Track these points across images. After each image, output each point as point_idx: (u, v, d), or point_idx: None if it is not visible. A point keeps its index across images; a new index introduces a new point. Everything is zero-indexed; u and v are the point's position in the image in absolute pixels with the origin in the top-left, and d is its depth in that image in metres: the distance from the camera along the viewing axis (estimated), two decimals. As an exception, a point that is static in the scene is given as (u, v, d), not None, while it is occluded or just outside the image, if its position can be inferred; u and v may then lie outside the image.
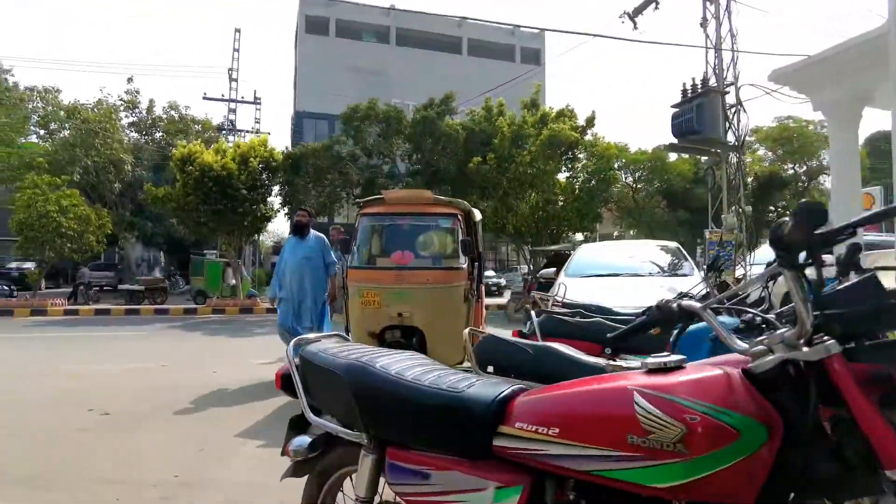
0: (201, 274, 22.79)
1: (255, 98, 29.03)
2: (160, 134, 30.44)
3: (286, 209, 19.35)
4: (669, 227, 22.30)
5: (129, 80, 29.07)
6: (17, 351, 10.06)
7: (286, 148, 18.80)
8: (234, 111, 28.76)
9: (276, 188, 19.31)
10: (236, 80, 28.87)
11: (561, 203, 20.82)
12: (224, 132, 27.44)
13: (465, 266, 6.56)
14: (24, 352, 9.97)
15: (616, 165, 20.89)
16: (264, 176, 18.37)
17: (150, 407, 5.76)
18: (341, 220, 37.38)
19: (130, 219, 27.60)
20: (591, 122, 20.59)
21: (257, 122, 30.49)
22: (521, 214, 20.01)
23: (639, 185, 22.77)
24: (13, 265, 31.96)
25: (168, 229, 27.97)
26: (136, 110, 29.85)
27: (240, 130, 29.02)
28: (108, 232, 19.14)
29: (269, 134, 19.56)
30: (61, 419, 5.31)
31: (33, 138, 27.20)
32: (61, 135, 26.12)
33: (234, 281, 22.17)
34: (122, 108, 27.94)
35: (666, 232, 22.48)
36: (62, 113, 25.88)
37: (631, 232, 24.94)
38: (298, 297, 6.70)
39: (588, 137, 20.78)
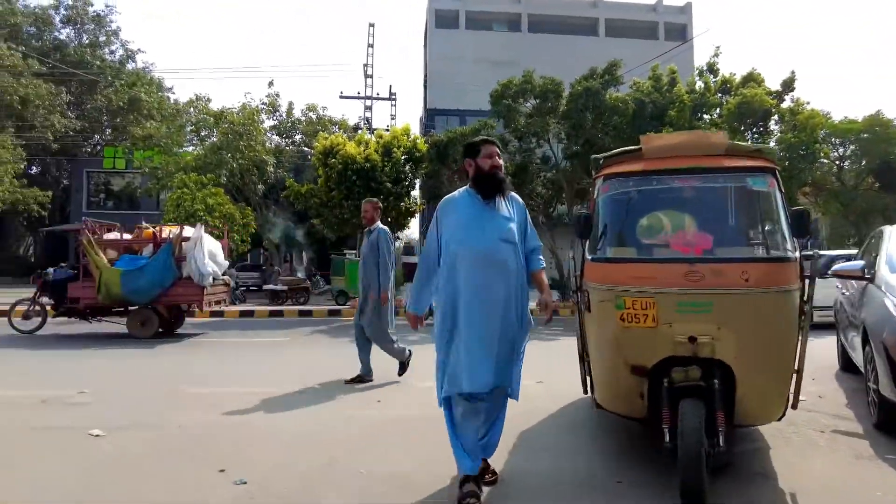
0: (342, 274, 21.69)
1: (391, 94, 27.71)
2: (299, 136, 30.26)
3: (430, 203, 17.41)
4: (887, 214, 17.68)
5: (270, 83, 28.94)
6: (176, 357, 8.71)
7: (429, 135, 16.81)
8: (369, 108, 27.67)
9: (418, 181, 17.41)
10: (371, 77, 27.74)
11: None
12: (360, 132, 26.34)
13: (796, 257, 3.83)
14: (190, 362, 8.58)
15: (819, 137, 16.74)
16: (407, 168, 16.52)
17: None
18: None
19: (273, 219, 27.36)
20: (789, 85, 16.70)
21: (392, 119, 29.22)
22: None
23: (844, 163, 18.33)
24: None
25: (308, 229, 27.48)
26: (277, 113, 29.79)
27: (377, 129, 27.83)
28: (252, 231, 18.27)
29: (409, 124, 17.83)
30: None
31: (189, 148, 27.89)
32: (211, 140, 26.38)
33: (374, 280, 20.81)
34: (263, 111, 27.79)
35: (882, 219, 17.89)
36: (211, 119, 26.05)
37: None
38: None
39: (786, 104, 16.86)
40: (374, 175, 15.60)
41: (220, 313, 15.89)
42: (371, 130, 28.40)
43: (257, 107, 27.05)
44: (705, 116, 16.63)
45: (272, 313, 16.06)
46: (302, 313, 16.14)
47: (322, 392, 6.35)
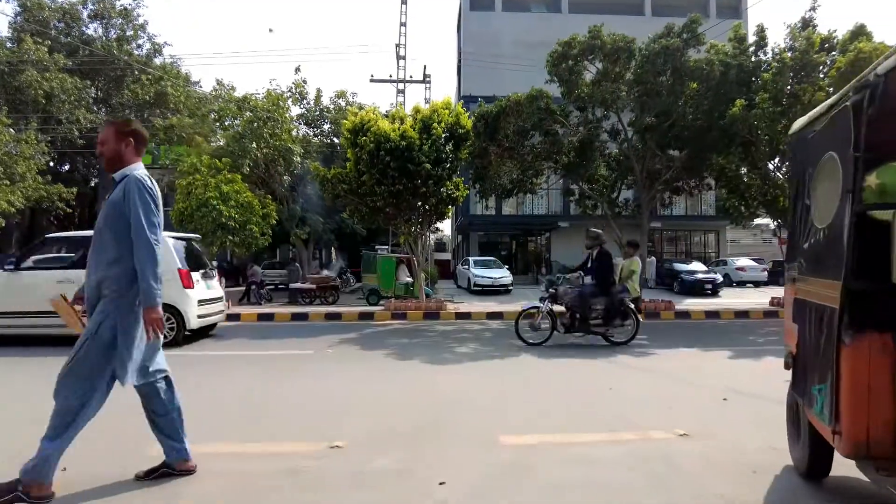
0: (373, 271, 19.30)
1: (425, 76, 25.11)
2: (328, 126, 28.04)
3: (476, 188, 14.76)
4: None
5: (297, 69, 26.64)
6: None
7: (477, 105, 14.18)
8: (402, 93, 25.22)
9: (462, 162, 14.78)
10: (404, 58, 25.25)
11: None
12: (395, 108, 23.78)
13: None
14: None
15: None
16: (449, 147, 13.92)
17: None
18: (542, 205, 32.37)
19: (302, 213, 25.08)
20: (909, 39, 13.52)
21: (426, 104, 26.63)
22: (804, 180, 13.51)
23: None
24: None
25: (338, 223, 25.18)
26: (304, 101, 27.54)
27: (415, 104, 25.25)
28: (273, 222, 15.91)
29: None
30: None
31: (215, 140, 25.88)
32: (234, 129, 24.24)
33: (408, 278, 18.25)
34: (289, 98, 25.51)
35: None
36: (234, 106, 23.86)
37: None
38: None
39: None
40: (411, 155, 13.06)
41: (236, 316, 13.55)
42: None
43: (283, 93, 24.80)
44: (807, 80, 13.60)
45: (295, 316, 13.65)
46: (329, 316, 13.69)
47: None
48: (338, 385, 6.47)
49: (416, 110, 14.29)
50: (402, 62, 25.39)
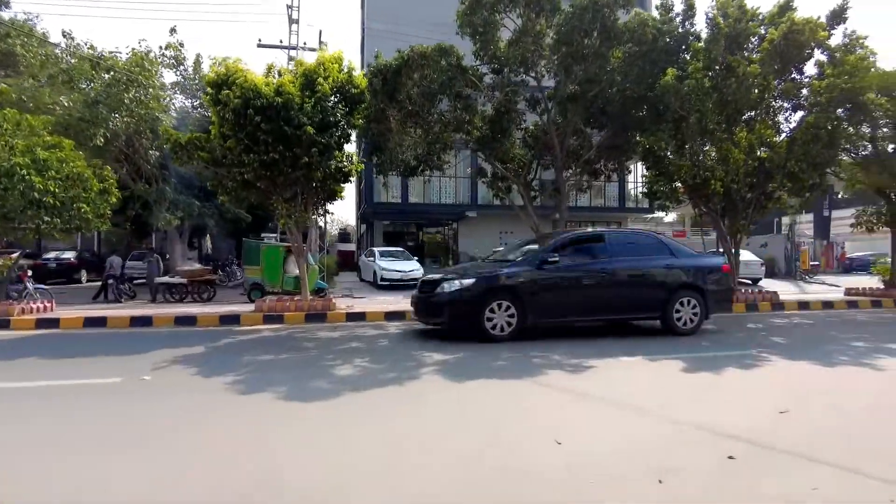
0: (257, 262, 16.22)
1: (321, 43, 21.98)
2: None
3: (375, 160, 12.08)
4: None
5: (172, 30, 22.54)
6: None
7: (370, 62, 11.39)
8: (293, 61, 21.77)
9: (356, 129, 12.01)
10: (297, 22, 21.95)
11: (781, 148, 12.85)
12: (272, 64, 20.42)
13: None
14: None
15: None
16: (340, 110, 11.21)
17: None
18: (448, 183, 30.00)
19: (174, 196, 21.21)
20: (839, 15, 12.44)
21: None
22: (735, 163, 12.11)
23: (882, 123, 14.51)
24: (51, 255, 26.40)
25: (218, 207, 21.57)
26: (181, 67, 23.52)
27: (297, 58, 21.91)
28: (113, 200, 12.43)
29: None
30: None
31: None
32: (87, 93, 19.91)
33: (298, 271, 15.34)
34: (162, 62, 21.46)
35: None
36: (87, 65, 19.55)
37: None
38: None
39: (837, 41, 12.63)
40: (290, 116, 10.23)
41: (54, 322, 10.15)
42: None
43: (153, 55, 20.75)
44: (741, 50, 12.20)
45: (136, 321, 10.39)
46: (181, 320, 10.56)
47: None
48: (94, 455, 3.70)
49: (300, 63, 11.40)
50: (294, 27, 22.12)
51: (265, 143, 10.47)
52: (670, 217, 51.56)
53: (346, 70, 11.65)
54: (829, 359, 7.01)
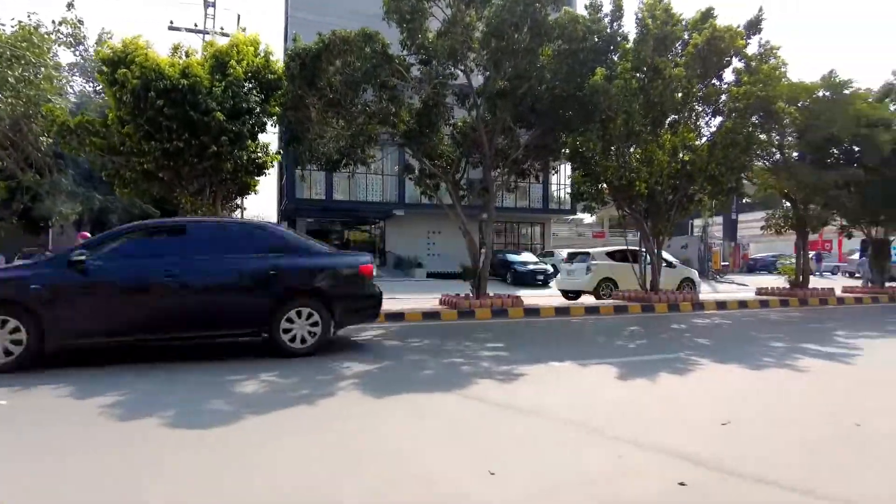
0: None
1: (240, 29, 20.54)
2: (115, 81, 22.13)
3: (291, 150, 11.16)
4: (838, 198, 14.59)
5: (70, 5, 20.39)
6: None
7: (290, 45, 10.52)
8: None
9: (272, 118, 11.03)
10: (213, 5, 20.41)
11: (703, 151, 13.10)
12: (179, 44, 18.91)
13: None
14: None
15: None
16: (255, 97, 10.26)
17: None
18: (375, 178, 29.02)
19: (71, 188, 19.20)
20: (755, 25, 12.80)
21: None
22: (659, 165, 12.18)
23: (788, 131, 15.16)
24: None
25: (122, 203, 19.76)
26: (81, 47, 21.42)
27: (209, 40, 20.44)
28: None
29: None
30: None
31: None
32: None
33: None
34: (56, 39, 19.34)
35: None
36: (-37, 38, 17.25)
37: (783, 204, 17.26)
38: None
39: (753, 49, 12.98)
40: (196, 100, 9.21)
41: None
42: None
43: (46, 32, 18.64)
44: (667, 54, 12.29)
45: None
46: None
47: None
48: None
49: (210, 44, 10.34)
50: (210, 10, 20.58)
51: (168, 130, 9.39)
52: (590, 219, 53.07)
53: (262, 54, 10.71)
54: (755, 361, 6.94)
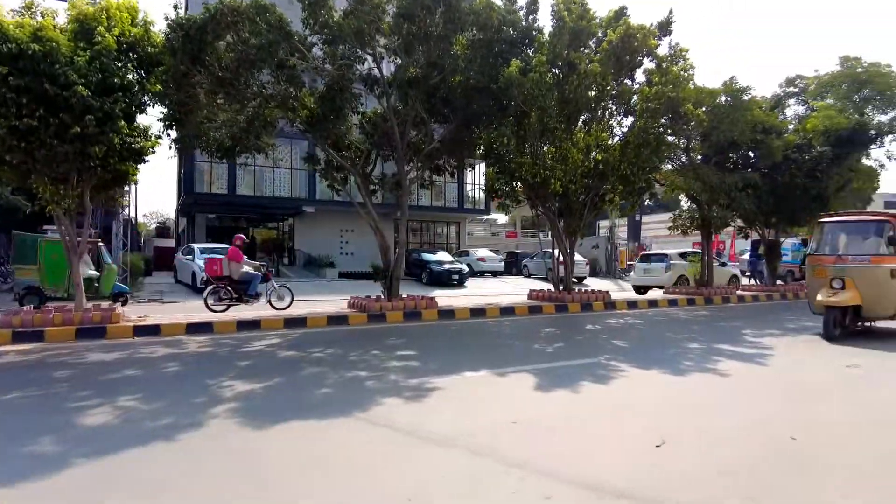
0: (33, 261, 12.84)
1: None
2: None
3: (170, 134, 9.72)
4: (739, 200, 15.08)
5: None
6: None
7: (172, 14, 9.12)
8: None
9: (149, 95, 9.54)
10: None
11: (615, 151, 13.02)
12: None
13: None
14: None
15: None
16: (131, 73, 8.83)
17: None
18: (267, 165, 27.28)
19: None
20: (665, 27, 12.84)
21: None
22: (573, 164, 11.90)
23: (693, 134, 15.52)
24: None
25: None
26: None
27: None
28: None
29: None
30: None
31: None
32: None
33: (93, 271, 12.35)
34: None
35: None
36: None
37: (684, 202, 17.71)
38: None
39: (663, 50, 13.01)
40: (54, 71, 7.71)
41: None
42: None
43: None
44: (581, 49, 12.01)
45: None
46: None
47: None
48: None
49: (73, 5, 8.77)
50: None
51: (16, 105, 7.80)
52: (504, 219, 53.62)
53: (142, 23, 9.26)
54: (675, 365, 6.61)
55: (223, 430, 4.16)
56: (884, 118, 18.63)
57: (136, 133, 9.10)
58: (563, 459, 3.54)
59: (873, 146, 17.96)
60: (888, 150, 18.90)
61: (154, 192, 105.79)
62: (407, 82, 10.39)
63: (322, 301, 13.99)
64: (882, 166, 19.45)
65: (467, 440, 3.92)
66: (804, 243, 19.18)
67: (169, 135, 9.52)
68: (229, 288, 10.53)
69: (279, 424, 4.26)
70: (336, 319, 10.33)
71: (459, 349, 8.05)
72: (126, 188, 14.31)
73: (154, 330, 8.85)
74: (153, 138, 9.37)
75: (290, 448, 3.80)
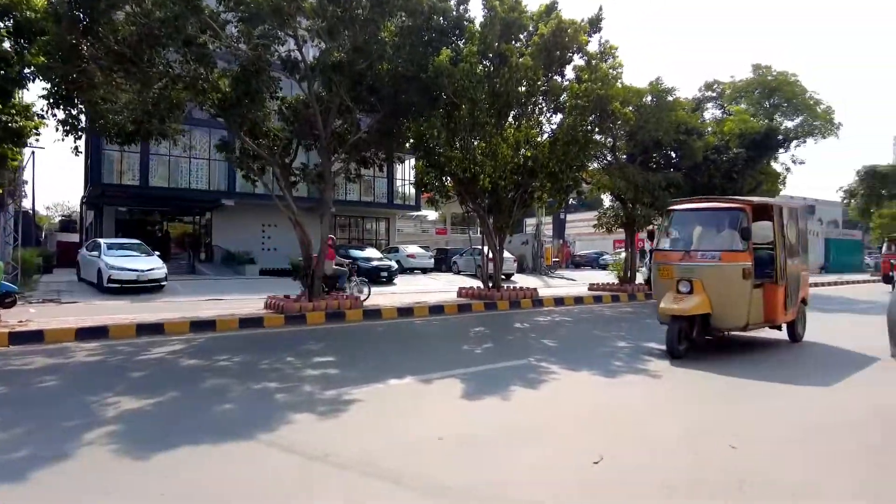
0: None
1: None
2: None
3: (57, 115, 8.50)
4: (662, 200, 15.40)
5: None
6: None
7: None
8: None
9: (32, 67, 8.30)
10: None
11: (544, 147, 12.89)
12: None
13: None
14: None
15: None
16: (1, 38, 7.66)
17: None
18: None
19: None
20: (595, 24, 12.81)
21: None
22: (503, 159, 11.63)
23: (620, 133, 15.70)
24: None
25: None
26: None
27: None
28: None
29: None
30: None
31: None
32: None
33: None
34: None
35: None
36: None
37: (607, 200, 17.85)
38: None
39: (593, 47, 12.97)
40: None
41: None
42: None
43: None
44: (513, 42, 11.74)
45: None
46: None
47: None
48: None
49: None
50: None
51: None
52: (435, 215, 53.38)
53: (17, -15, 8.06)
54: (607, 366, 6.40)
55: (92, 463, 3.44)
56: (790, 124, 19.73)
57: (13, 111, 7.92)
58: (496, 484, 3.12)
59: (781, 150, 18.96)
60: (794, 155, 20.12)
61: (59, 182, 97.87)
62: (331, 67, 9.70)
63: (239, 300, 13.04)
64: (788, 170, 20.64)
65: (390, 464, 3.43)
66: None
67: (55, 115, 8.34)
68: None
69: (163, 453, 3.59)
70: (249, 322, 9.51)
71: (384, 353, 7.52)
72: (12, 175, 12.72)
73: (35, 336, 7.73)
74: (36, 118, 8.20)
75: (172, 483, 3.16)
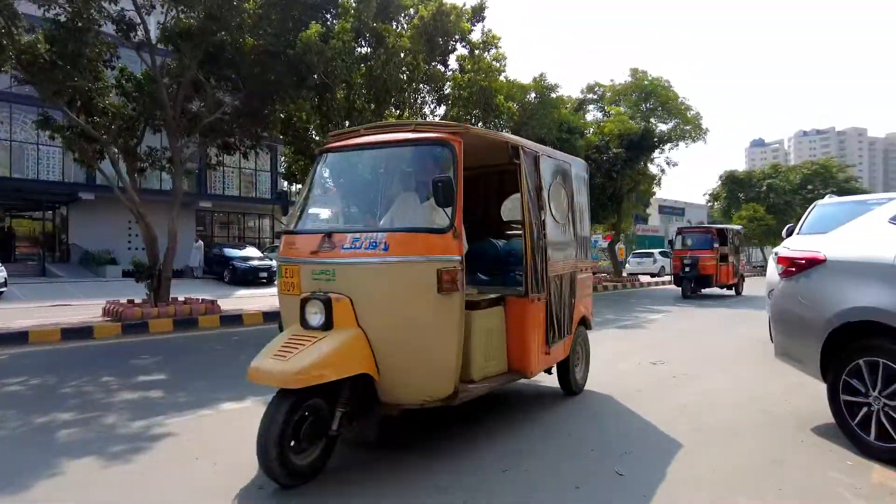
0: None
1: None
2: None
3: None
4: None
5: None
6: None
7: None
8: None
9: None
10: None
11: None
12: None
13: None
14: None
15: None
16: None
17: None
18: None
19: None
20: (479, 11, 12.27)
21: None
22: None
23: (504, 129, 15.39)
24: None
25: None
26: None
27: None
28: None
29: None
30: None
31: None
32: None
33: None
34: None
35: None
36: None
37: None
38: None
39: (476, 36, 12.44)
40: None
41: None
42: None
43: None
44: (391, 22, 10.86)
45: None
46: None
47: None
48: None
49: None
50: None
51: None
52: (325, 212, 51.53)
53: None
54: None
55: None
56: (664, 127, 20.65)
57: None
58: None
59: (657, 151, 19.74)
60: (668, 157, 21.16)
61: None
62: (178, 34, 8.29)
63: (86, 306, 11.13)
64: (663, 171, 21.62)
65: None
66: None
67: None
68: None
69: None
70: (76, 332, 7.88)
71: (230, 368, 6.34)
72: None
73: None
74: None
75: None
